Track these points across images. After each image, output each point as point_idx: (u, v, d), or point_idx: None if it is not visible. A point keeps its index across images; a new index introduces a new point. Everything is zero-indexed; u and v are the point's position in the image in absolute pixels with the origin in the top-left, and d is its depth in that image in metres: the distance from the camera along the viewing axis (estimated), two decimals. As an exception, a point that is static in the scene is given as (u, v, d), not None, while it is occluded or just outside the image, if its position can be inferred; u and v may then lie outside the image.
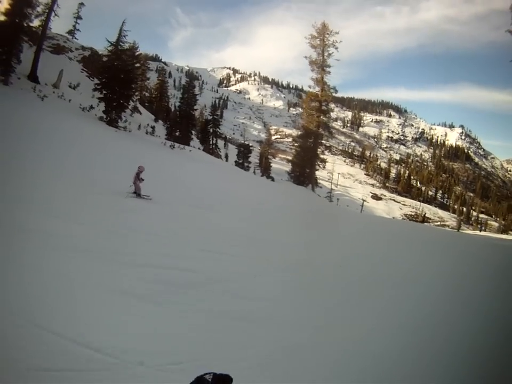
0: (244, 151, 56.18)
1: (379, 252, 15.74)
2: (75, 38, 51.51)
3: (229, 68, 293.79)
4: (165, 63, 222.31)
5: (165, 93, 61.15)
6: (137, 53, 47.96)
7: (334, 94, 49.47)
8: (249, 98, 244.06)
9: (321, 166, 50.11)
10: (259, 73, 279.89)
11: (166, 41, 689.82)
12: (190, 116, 49.89)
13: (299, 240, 14.23)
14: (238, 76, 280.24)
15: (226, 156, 71.84)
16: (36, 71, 31.82)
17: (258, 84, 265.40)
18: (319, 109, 47.25)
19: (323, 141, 54.19)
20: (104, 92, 33.36)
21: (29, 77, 31.27)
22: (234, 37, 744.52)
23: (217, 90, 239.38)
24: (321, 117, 47.59)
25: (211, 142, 55.03)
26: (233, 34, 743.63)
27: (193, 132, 56.73)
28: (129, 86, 35.39)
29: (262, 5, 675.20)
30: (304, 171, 47.92)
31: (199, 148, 49.02)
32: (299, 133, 52.24)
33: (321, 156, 49.03)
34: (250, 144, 66.12)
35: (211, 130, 55.61)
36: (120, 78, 33.18)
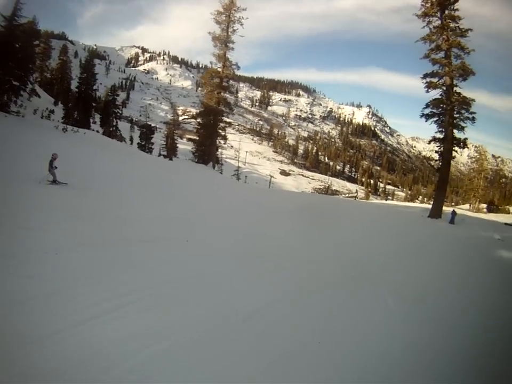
0: (146, 132, 53.97)
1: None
2: (-28, 12, 45.25)
3: (138, 47, 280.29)
4: (71, 41, 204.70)
5: (67, 74, 56.12)
6: (37, 29, 43.07)
7: (236, 71, 48.85)
8: (157, 78, 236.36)
9: (222, 143, 49.69)
10: (168, 52, 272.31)
11: (74, 18, 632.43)
12: (89, 97, 46.34)
13: (161, 215, 13.21)
14: (147, 55, 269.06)
15: (131, 139, 68.64)
16: None
17: (167, 64, 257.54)
18: (219, 85, 46.36)
19: (228, 119, 54.16)
20: (-5, 73, 28.96)
21: None
22: (147, 14, 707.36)
23: (124, 70, 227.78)
24: (222, 93, 46.94)
25: (112, 124, 51.95)
26: (145, 11, 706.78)
27: (96, 114, 53.43)
28: (25, 66, 31.32)
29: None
30: (207, 149, 47.22)
31: (97, 131, 46.20)
32: (200, 110, 51.33)
33: (222, 133, 48.48)
34: (156, 125, 63.88)
35: (111, 112, 52.40)
36: (13, 57, 29.07)
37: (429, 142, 32.69)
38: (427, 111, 30.91)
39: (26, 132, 24.27)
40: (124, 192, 15.92)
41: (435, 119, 30.59)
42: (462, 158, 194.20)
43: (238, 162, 73.05)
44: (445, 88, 29.53)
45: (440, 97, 29.87)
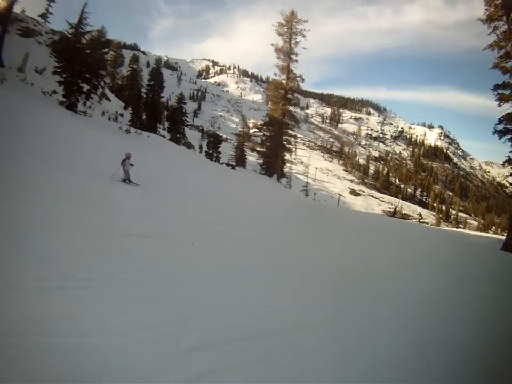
0: (213, 141, 54.95)
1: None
2: (47, 22, 50.05)
3: (208, 60, 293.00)
4: (143, 52, 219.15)
5: (137, 81, 59.00)
6: (106, 38, 45.83)
7: (301, 84, 48.70)
8: (227, 91, 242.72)
9: (288, 155, 48.96)
10: (238, 66, 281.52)
11: (146, 31, 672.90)
12: (155, 103, 48.56)
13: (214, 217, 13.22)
14: (217, 68, 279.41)
15: (201, 147, 71.44)
16: (0, 54, 29.49)
17: (237, 77, 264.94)
18: (283, 97, 46.24)
19: (294, 132, 53.60)
20: (63, 75, 30.92)
21: (-7, 60, 29.20)
22: (215, 28, 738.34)
23: (195, 81, 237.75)
24: (286, 105, 46.64)
25: (179, 131, 53.27)
26: (214, 25, 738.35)
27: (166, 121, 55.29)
28: (94, 70, 32.98)
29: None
30: (271, 161, 46.82)
31: (164, 136, 47.42)
32: (265, 121, 51.27)
33: (287, 146, 47.78)
34: (227, 137, 65.12)
35: (178, 119, 53.86)
36: (81, 62, 30.91)
37: (503, 164, 28.72)
38: (500, 127, 26.94)
39: (87, 128, 24.89)
40: (182, 194, 16.09)
41: (509, 136, 26.75)
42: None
43: (307, 178, 72.16)
44: (519, 102, 25.94)
45: (514, 111, 26.31)
